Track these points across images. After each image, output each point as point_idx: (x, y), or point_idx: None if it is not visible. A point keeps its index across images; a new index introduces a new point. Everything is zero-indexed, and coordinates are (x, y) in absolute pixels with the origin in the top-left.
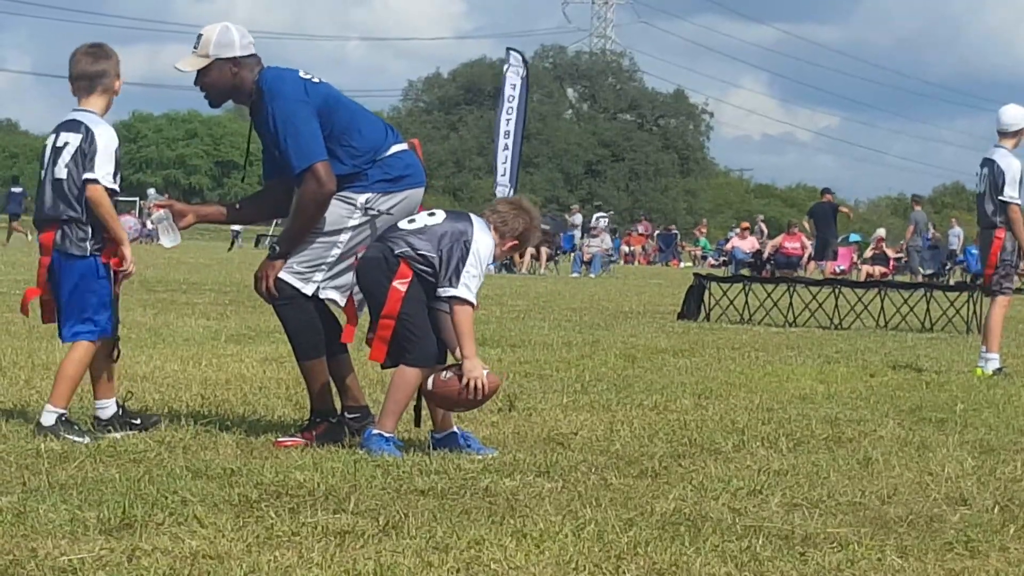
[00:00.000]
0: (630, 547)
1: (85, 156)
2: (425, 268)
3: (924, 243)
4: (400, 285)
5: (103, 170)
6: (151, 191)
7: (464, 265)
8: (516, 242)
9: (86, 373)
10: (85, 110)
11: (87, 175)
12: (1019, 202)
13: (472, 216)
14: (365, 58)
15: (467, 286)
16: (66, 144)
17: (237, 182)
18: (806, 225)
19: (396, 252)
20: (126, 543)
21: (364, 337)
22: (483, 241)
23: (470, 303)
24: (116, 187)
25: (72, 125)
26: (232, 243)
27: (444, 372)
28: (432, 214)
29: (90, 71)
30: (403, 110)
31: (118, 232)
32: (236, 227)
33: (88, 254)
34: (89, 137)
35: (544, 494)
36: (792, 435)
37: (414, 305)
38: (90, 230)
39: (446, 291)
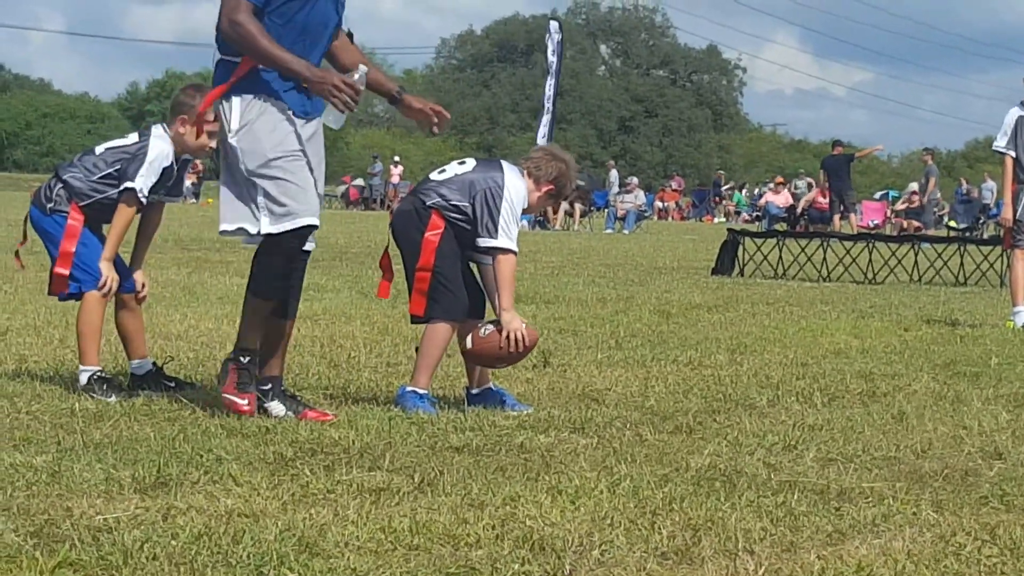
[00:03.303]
0: (665, 503)
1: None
2: (459, 217)
3: (958, 196)
4: (433, 236)
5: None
6: (362, 67)
7: (499, 213)
8: (551, 187)
9: (101, 324)
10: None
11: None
12: (1009, 152)
13: (504, 163)
14: (399, 15)
15: (506, 234)
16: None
17: None
18: (821, 178)
19: (428, 203)
20: (161, 502)
21: (395, 296)
22: (515, 186)
23: (512, 251)
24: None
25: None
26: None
27: (482, 328)
28: (462, 163)
29: (171, 102)
30: (436, 68)
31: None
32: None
33: (47, 213)
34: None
35: (579, 450)
36: (826, 390)
37: (447, 258)
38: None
39: (486, 241)
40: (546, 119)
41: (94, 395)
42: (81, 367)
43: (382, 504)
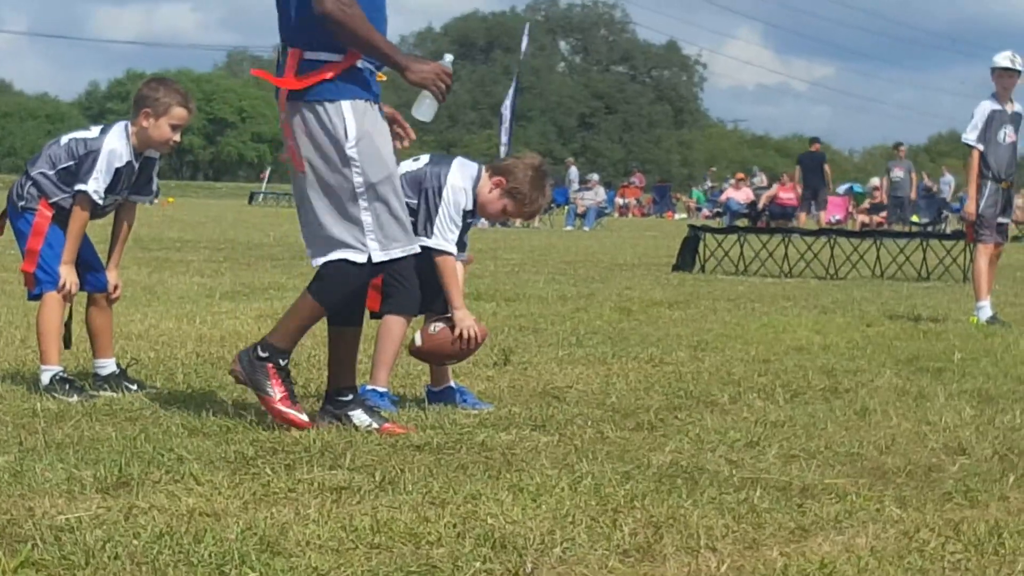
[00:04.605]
0: (627, 500)
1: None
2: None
3: (920, 190)
4: None
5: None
6: (448, 56)
7: (437, 213)
8: (502, 179)
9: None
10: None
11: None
12: (977, 146)
13: (456, 160)
14: None
15: (441, 235)
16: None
17: (230, 140)
18: (797, 174)
19: None
20: (123, 501)
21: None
22: (456, 186)
23: (448, 252)
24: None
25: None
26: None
27: (432, 326)
28: (416, 159)
29: (135, 96)
30: None
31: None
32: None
33: (19, 211)
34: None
35: (540, 448)
36: (789, 386)
37: None
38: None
39: (422, 240)
40: (507, 116)
41: (56, 395)
42: (42, 367)
43: (343, 503)
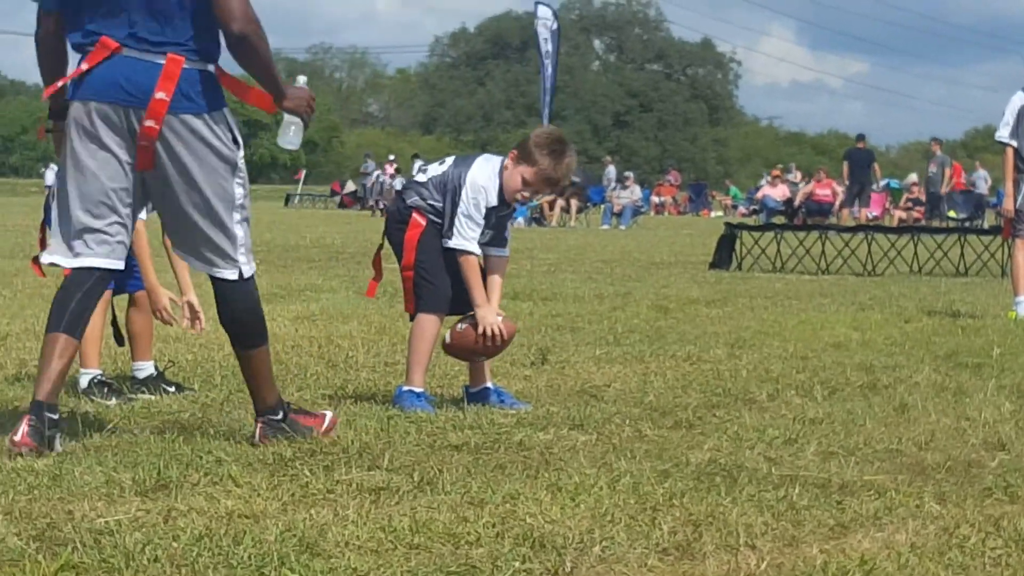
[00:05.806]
0: (666, 498)
1: None
2: (436, 219)
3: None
4: (413, 234)
5: None
6: (303, 78)
7: (456, 213)
8: (516, 150)
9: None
10: None
11: None
12: (1011, 143)
13: (480, 157)
14: (396, 14)
15: (461, 235)
16: None
17: (263, 142)
18: (844, 170)
19: (407, 203)
20: (162, 504)
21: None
22: (472, 180)
23: (468, 252)
24: None
25: None
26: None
27: (458, 324)
28: (442, 162)
29: None
30: (430, 66)
31: None
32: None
33: None
34: None
35: (578, 447)
36: (827, 383)
37: (427, 252)
38: None
39: (445, 242)
40: (546, 112)
41: (94, 398)
42: (81, 370)
43: (382, 503)
